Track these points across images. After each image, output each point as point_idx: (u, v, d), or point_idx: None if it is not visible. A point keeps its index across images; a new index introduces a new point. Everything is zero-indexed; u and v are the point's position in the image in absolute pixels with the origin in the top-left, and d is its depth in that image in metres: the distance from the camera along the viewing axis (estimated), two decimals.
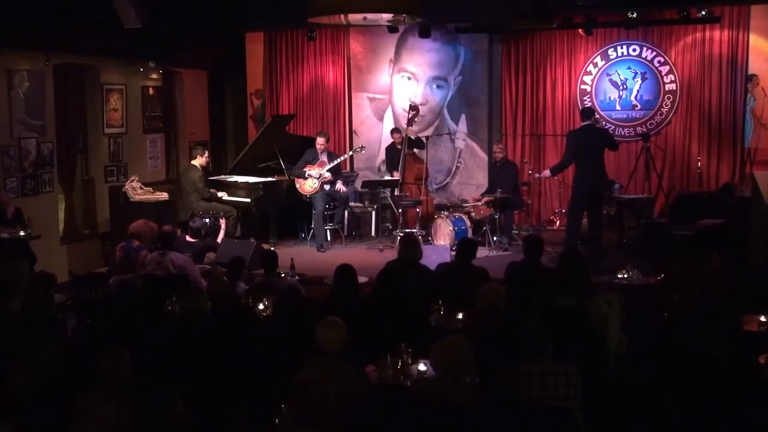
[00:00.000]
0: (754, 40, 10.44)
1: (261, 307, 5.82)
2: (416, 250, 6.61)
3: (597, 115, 10.70)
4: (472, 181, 11.42)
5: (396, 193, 10.44)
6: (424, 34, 10.69)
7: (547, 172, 9.79)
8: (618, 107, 11.24)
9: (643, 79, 11.08)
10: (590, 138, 9.04)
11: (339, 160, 10.45)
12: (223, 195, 10.34)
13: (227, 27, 11.08)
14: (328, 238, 10.45)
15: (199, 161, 10.25)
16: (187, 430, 3.48)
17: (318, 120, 12.35)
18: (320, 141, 10.27)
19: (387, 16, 7.49)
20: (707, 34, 10.67)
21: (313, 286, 7.55)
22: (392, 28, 10.62)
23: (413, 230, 9.74)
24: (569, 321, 4.83)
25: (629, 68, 11.14)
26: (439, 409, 3.77)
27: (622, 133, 11.17)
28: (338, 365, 4.12)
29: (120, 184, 10.33)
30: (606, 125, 11.09)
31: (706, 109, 10.78)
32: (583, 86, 11.35)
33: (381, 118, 12.01)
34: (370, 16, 7.30)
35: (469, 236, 9.11)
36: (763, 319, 5.28)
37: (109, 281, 7.14)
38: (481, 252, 8.35)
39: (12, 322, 5.12)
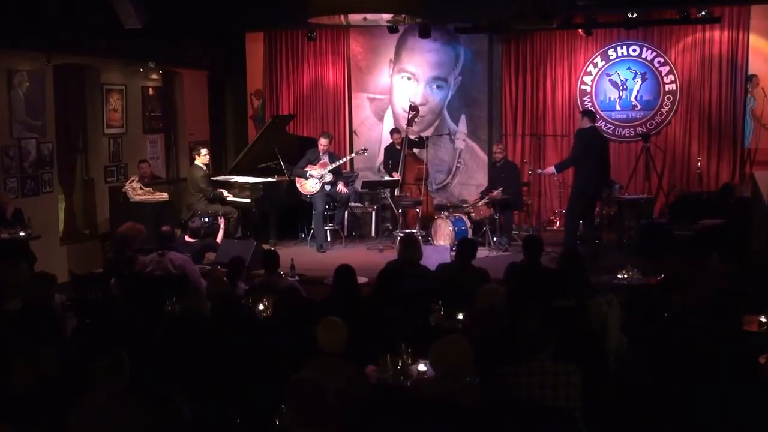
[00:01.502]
0: (754, 40, 10.44)
1: (261, 307, 5.82)
2: (416, 251, 6.61)
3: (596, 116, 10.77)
4: (472, 181, 11.42)
5: (396, 193, 10.44)
6: (424, 34, 10.69)
7: (551, 169, 9.81)
8: (618, 107, 11.23)
9: (643, 80, 11.07)
10: (598, 140, 9.17)
11: (341, 161, 10.45)
12: (228, 195, 10.34)
13: (227, 27, 11.07)
14: (328, 239, 10.45)
15: (200, 160, 10.23)
16: (190, 430, 3.48)
17: (318, 120, 12.35)
18: (323, 142, 10.26)
19: (387, 17, 7.50)
20: (707, 34, 10.67)
21: (313, 286, 7.55)
22: (392, 29, 10.61)
23: (413, 230, 9.74)
24: (569, 321, 4.83)
25: (629, 68, 11.14)
26: (439, 409, 3.77)
27: (622, 134, 11.17)
28: (338, 365, 4.12)
29: (120, 184, 10.33)
30: (606, 125, 11.12)
31: (706, 110, 10.78)
32: (583, 86, 11.35)
33: (381, 119, 12.01)
34: (370, 16, 7.32)
35: (469, 236, 9.11)
36: (763, 319, 5.28)
37: (110, 281, 7.14)
38: (481, 252, 8.34)
39: (12, 322, 5.12)
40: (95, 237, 10.34)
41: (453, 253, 8.40)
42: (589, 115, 9.37)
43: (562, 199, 10.98)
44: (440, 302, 5.59)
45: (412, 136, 10.75)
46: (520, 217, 11.08)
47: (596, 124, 9.40)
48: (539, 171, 10.68)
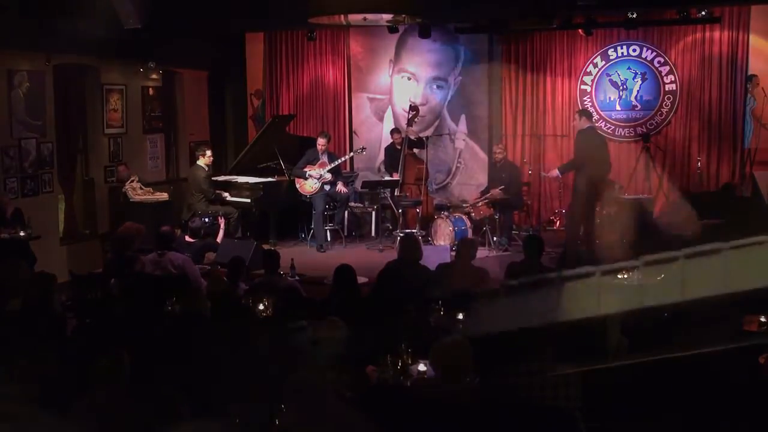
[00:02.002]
0: (754, 40, 10.44)
1: (261, 307, 5.81)
2: (416, 251, 6.62)
3: (596, 116, 10.78)
4: (472, 181, 11.43)
5: (396, 193, 10.45)
6: (424, 34, 10.69)
7: (555, 172, 9.82)
8: (618, 107, 11.23)
9: (643, 80, 11.07)
10: (597, 139, 9.19)
11: (339, 161, 10.46)
12: (226, 195, 10.34)
13: (227, 27, 11.07)
14: (328, 239, 10.45)
15: (203, 161, 10.22)
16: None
17: (318, 120, 12.34)
18: (321, 141, 10.27)
19: (387, 17, 7.51)
20: (707, 34, 10.67)
21: (313, 286, 7.56)
22: (392, 29, 10.62)
23: (413, 230, 9.75)
24: (569, 321, 4.82)
25: (629, 68, 11.13)
26: (439, 409, 3.76)
27: (622, 134, 11.17)
28: (338, 365, 4.11)
29: (120, 184, 10.33)
30: (606, 125, 11.12)
31: (706, 110, 10.78)
32: (583, 86, 11.34)
33: (381, 119, 12.01)
34: (370, 16, 7.33)
35: (469, 236, 9.11)
36: (763, 319, 5.27)
37: (110, 281, 7.13)
38: (481, 252, 8.35)
39: (12, 322, 5.13)
40: (95, 237, 10.32)
41: (453, 253, 8.41)
42: (586, 114, 9.40)
43: (562, 199, 10.98)
44: (440, 302, 5.59)
45: (412, 136, 10.75)
46: (520, 217, 11.08)
47: (595, 124, 9.41)
48: (543, 174, 10.69)
